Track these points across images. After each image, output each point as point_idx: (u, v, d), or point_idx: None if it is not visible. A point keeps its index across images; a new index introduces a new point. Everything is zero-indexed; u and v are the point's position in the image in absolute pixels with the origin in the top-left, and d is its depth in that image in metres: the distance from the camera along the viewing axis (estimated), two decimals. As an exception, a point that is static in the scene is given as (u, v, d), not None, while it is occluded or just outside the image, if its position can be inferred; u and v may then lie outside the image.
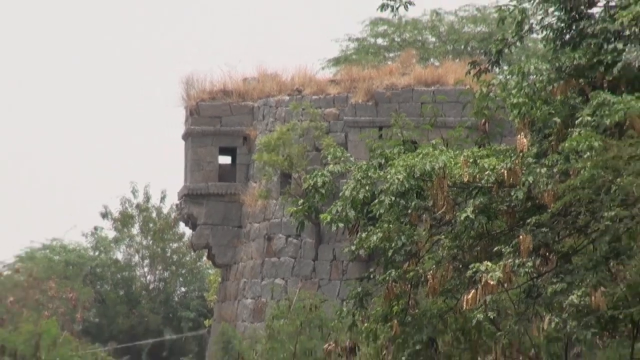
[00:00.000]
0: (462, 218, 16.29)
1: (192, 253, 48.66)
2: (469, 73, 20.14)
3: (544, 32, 19.42)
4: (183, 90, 39.96)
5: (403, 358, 17.80)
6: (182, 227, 46.68)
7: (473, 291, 15.49)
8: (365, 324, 18.39)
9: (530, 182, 15.69)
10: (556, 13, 18.75)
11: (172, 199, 47.98)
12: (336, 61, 48.60)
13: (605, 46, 17.33)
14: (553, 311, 15.40)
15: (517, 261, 15.35)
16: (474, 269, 15.32)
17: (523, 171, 16.03)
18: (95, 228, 54.26)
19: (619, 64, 16.22)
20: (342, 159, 20.28)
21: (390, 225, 17.42)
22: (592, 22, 18.00)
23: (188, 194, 38.94)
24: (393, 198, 16.99)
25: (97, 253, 54.73)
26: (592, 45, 17.40)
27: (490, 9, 31.77)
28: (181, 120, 40.07)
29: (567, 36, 18.84)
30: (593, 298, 14.60)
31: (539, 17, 18.98)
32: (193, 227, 40.07)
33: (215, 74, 41.38)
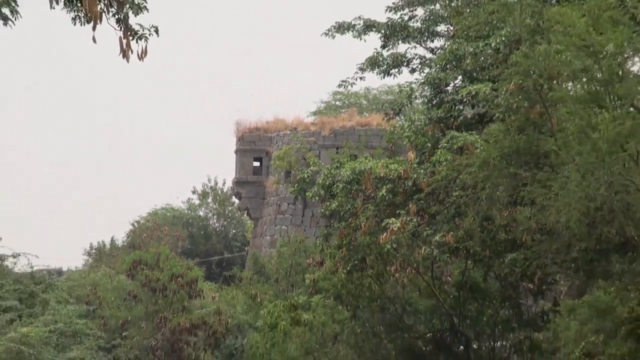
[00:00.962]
0: (379, 195, 29.83)
1: (239, 212, 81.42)
2: (384, 120, 39.23)
3: (423, 99, 35.19)
4: (235, 127, 68.00)
5: (348, 267, 31.19)
6: (234, 199, 74.93)
7: (385, 233, 28.11)
8: (328, 250, 33.36)
9: (415, 177, 29.17)
10: (427, 89, 33.75)
11: (229, 184, 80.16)
12: (314, 112, 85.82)
13: (454, 107, 31.76)
14: (426, 244, 28.97)
15: (407, 218, 28.57)
16: (386, 222, 28.13)
17: (411, 171, 29.63)
18: (189, 199, 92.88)
19: (461, 117, 31.38)
20: (317, 164, 38.16)
21: (342, 199, 31.47)
22: (447, 94, 32.66)
23: (237, 181, 66.81)
24: (343, 184, 31.45)
25: (189, 212, 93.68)
26: (447, 106, 31.67)
27: (396, 87, 48.22)
28: (233, 142, 67.34)
29: (434, 101, 32.92)
30: (447, 237, 27.60)
31: (420, 91, 34.43)
32: (239, 198, 68.55)
33: (252, 118, 68.25)
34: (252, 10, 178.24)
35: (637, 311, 22.18)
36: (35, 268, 46.91)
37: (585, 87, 23.79)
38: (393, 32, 36.23)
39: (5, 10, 16.33)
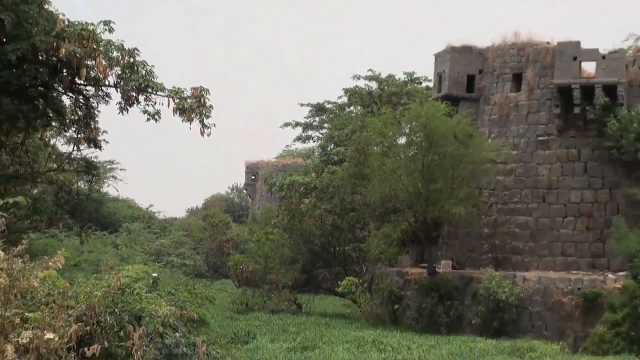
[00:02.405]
0: (300, 190, 59.18)
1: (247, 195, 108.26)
2: (304, 160, 79.60)
3: (319, 152, 68.14)
4: (244, 165, 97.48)
5: (287, 218, 58.85)
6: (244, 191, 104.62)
7: (302, 204, 57.41)
8: (281, 211, 62.32)
9: (315, 183, 58.79)
10: (321, 149, 66.63)
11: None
12: (281, 154, 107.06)
13: (330, 156, 62.82)
14: (319, 209, 59.88)
15: (311, 199, 58.23)
16: (302, 200, 58.56)
17: (313, 181, 59.19)
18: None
19: (333, 159, 62.55)
20: (277, 177, 70.46)
21: (286, 191, 61.47)
22: (328, 151, 64.13)
23: (247, 184, 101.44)
24: (287, 185, 61.14)
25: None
26: (328, 155, 63.21)
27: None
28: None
29: (323, 153, 65.55)
30: (327, 207, 57.81)
31: (319, 149, 68.00)
32: (252, 197, 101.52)
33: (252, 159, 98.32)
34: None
35: (401, 235, 51.49)
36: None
37: (380, 148, 49.61)
38: (306, 126, 70.02)
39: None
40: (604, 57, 46.78)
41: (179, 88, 25.63)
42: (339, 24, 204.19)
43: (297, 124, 69.41)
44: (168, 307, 15.48)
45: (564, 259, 47.07)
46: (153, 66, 25.03)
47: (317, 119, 68.46)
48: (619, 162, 45.70)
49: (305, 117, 68.98)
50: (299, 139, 71.66)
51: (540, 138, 48.70)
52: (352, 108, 64.67)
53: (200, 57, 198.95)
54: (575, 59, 47.14)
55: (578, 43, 47.34)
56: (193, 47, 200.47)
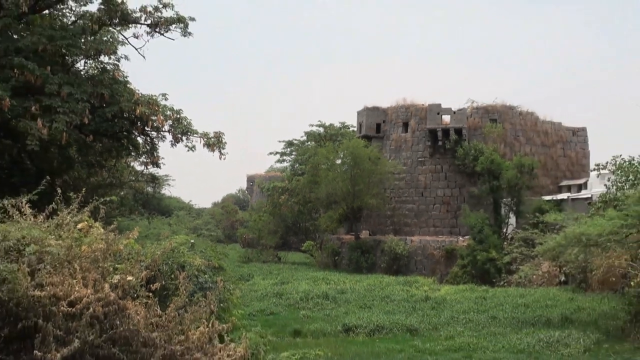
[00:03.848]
0: (278, 192, 58.10)
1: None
2: (282, 173, 71.68)
3: (291, 170, 65.34)
4: (246, 176, 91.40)
5: (271, 208, 58.12)
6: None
7: (281, 199, 57.88)
8: (268, 205, 60.15)
9: (289, 187, 58.40)
10: (291, 168, 64.55)
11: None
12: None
13: (296, 174, 61.77)
14: (293, 202, 59.73)
15: (285, 197, 58.77)
16: (279, 197, 58.02)
17: (287, 185, 57.81)
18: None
19: (298, 173, 61.31)
20: (265, 185, 65.62)
21: (271, 193, 58.96)
22: (296, 170, 62.89)
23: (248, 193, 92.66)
24: (271, 189, 59.11)
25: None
26: (294, 173, 62.10)
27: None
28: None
29: (293, 171, 63.20)
30: (297, 199, 58.59)
31: (289, 169, 66.06)
32: (250, 195, 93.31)
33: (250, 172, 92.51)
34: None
35: (339, 216, 51.86)
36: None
37: (326, 166, 50.02)
38: (282, 154, 69.72)
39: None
40: (454, 112, 48.27)
41: (206, 132, 25.92)
42: (307, 87, 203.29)
43: (277, 153, 70.24)
44: (200, 260, 16.43)
45: (435, 229, 48.40)
46: (192, 119, 25.71)
47: (288, 149, 69.13)
48: (464, 173, 46.86)
49: (282, 148, 69.78)
50: (278, 161, 72.83)
51: (420, 159, 49.75)
52: (309, 143, 64.95)
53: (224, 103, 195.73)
54: (438, 113, 48.58)
55: (439, 105, 48.69)
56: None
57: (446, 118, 48.43)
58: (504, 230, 41.66)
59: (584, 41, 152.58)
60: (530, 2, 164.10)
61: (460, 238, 43.94)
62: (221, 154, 25.63)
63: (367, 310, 25.71)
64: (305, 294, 29.43)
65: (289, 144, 69.04)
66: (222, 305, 18.70)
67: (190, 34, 25.99)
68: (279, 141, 75.60)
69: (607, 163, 31.07)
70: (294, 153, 67.77)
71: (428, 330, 21.79)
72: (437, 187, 48.87)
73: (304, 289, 31.36)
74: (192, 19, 26.04)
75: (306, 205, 56.13)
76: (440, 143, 48.13)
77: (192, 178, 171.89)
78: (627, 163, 29.48)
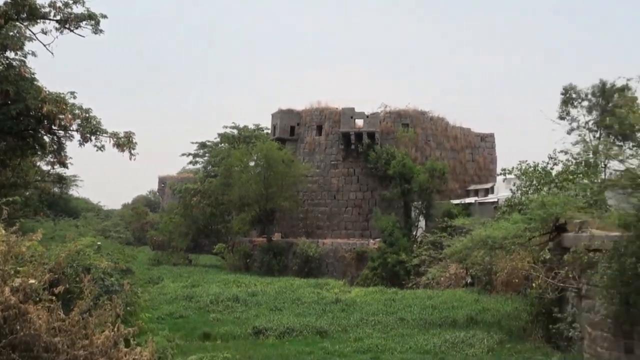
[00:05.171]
0: (190, 192, 56.83)
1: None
2: (194, 174, 69.19)
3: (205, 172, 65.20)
4: (158, 177, 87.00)
5: (183, 209, 56.44)
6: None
7: (193, 200, 57.76)
8: (181, 206, 58.84)
9: (200, 188, 58.33)
10: (203, 170, 63.00)
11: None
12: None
13: (208, 177, 61.41)
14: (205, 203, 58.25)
15: (197, 198, 57.81)
16: (191, 199, 56.48)
17: (199, 187, 59.02)
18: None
19: (212, 176, 61.25)
20: (178, 186, 64.90)
21: (183, 194, 58.12)
22: (209, 171, 62.93)
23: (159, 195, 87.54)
24: (184, 190, 58.09)
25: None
26: (207, 176, 62.06)
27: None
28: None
29: (206, 172, 63.06)
30: (211, 200, 57.26)
31: (202, 170, 64.66)
32: (162, 197, 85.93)
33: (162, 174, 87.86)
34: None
35: (251, 218, 52.24)
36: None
37: (239, 168, 49.27)
38: (195, 155, 69.59)
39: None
40: (367, 116, 48.90)
41: (116, 132, 25.25)
42: (222, 88, 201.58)
43: (189, 154, 69.49)
44: (107, 262, 15.99)
45: (346, 231, 48.86)
46: (101, 119, 25.10)
47: (201, 151, 68.44)
48: (376, 176, 47.43)
49: (195, 150, 69.15)
50: (191, 162, 71.98)
51: (333, 162, 50.18)
52: (222, 145, 64.43)
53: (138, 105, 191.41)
54: (352, 117, 49.11)
55: (353, 109, 49.23)
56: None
57: (359, 122, 48.99)
58: (414, 233, 42.44)
59: (493, 51, 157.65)
60: (442, 14, 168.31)
61: (372, 241, 44.49)
62: (131, 154, 25.05)
63: (277, 313, 25.74)
64: (215, 296, 29.20)
65: (202, 145, 68.52)
66: (128, 308, 18.26)
67: (101, 31, 25.22)
68: (192, 142, 75.62)
69: (512, 168, 32.05)
70: (207, 155, 67.16)
71: (338, 332, 22.02)
72: (350, 190, 49.31)
73: (215, 291, 31.12)
74: (104, 16, 25.33)
75: (218, 207, 55.70)
76: (353, 146, 48.60)
77: (102, 179, 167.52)
78: (531, 169, 30.51)
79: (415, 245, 39.45)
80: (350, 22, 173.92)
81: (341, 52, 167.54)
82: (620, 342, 14.73)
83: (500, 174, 34.69)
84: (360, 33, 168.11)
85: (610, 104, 41.58)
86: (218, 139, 66.72)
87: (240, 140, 61.90)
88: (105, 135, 24.93)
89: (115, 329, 8.26)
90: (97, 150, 24.96)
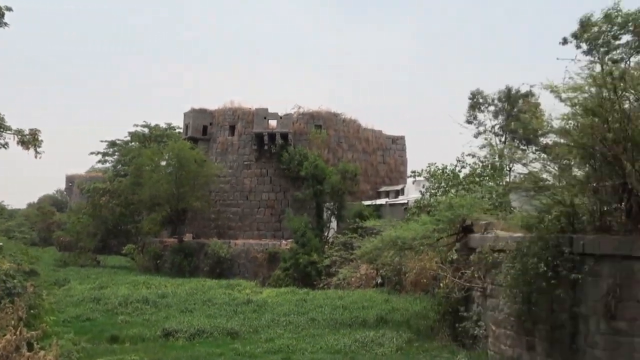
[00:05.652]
0: (100, 191, 55.06)
1: None
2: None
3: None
4: (65, 176, 78.35)
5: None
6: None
7: (102, 199, 55.63)
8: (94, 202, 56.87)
9: (110, 188, 57.06)
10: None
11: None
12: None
13: (119, 175, 60.30)
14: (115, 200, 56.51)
15: (106, 198, 56.40)
16: (102, 199, 55.00)
17: (109, 186, 56.54)
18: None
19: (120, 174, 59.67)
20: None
21: (96, 197, 57.48)
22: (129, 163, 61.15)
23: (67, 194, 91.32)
24: (97, 188, 57.50)
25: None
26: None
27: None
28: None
29: (119, 169, 61.73)
30: (121, 199, 55.85)
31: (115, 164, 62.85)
32: (69, 196, 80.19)
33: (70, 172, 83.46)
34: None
35: (162, 219, 51.04)
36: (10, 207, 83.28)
37: (150, 168, 49.15)
38: (105, 154, 67.90)
39: None
40: (281, 117, 48.95)
41: (21, 129, 24.32)
42: (133, 86, 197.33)
43: (98, 153, 67.67)
44: (9, 264, 15.44)
45: (259, 232, 48.72)
46: (4, 114, 24.04)
47: (111, 149, 66.73)
48: (289, 177, 47.56)
49: (104, 148, 67.42)
50: (100, 161, 69.97)
51: (245, 163, 49.96)
52: (133, 144, 63.12)
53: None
54: (265, 118, 49.03)
55: (266, 109, 49.18)
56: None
57: (273, 123, 48.95)
58: (326, 234, 42.72)
59: (407, 54, 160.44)
60: (359, 15, 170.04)
61: (284, 241, 44.50)
62: (37, 152, 24.06)
63: (188, 315, 25.44)
64: (124, 298, 28.62)
65: (112, 144, 66.94)
66: (32, 311, 17.66)
67: (6, 24, 24.14)
68: (102, 141, 73.19)
69: (422, 171, 32.73)
70: (117, 153, 65.51)
71: (249, 333, 21.96)
72: (262, 191, 49.21)
73: (123, 293, 30.55)
74: (9, 9, 24.27)
75: (128, 207, 54.53)
76: (266, 147, 48.51)
77: (5, 177, 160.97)
78: (440, 171, 31.25)
79: (326, 246, 39.62)
80: (265, 22, 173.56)
81: (255, 52, 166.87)
82: (522, 340, 15.20)
83: (410, 176, 35.36)
84: (276, 33, 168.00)
85: (515, 109, 43.18)
86: (128, 138, 65.29)
87: (152, 139, 60.73)
88: (9, 132, 23.96)
89: (18, 333, 7.95)
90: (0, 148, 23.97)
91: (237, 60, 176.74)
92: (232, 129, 51.24)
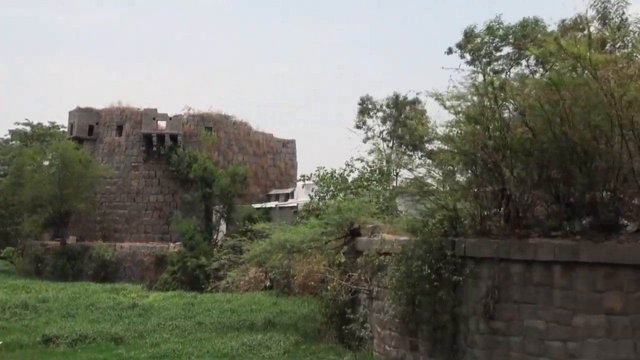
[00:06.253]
0: None
1: None
2: None
3: None
4: None
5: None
6: None
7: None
8: None
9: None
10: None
11: None
12: None
13: None
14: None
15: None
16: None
17: None
18: None
19: None
20: None
21: None
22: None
23: None
24: None
25: None
26: None
27: None
28: None
29: None
30: None
31: None
32: None
33: None
34: None
35: (44, 220, 49.17)
36: None
37: (32, 167, 47.99)
38: None
39: None
40: (170, 118, 48.05)
41: None
42: (13, 83, 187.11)
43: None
44: None
45: (146, 235, 47.57)
46: None
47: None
48: (178, 179, 46.74)
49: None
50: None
51: (133, 164, 48.68)
52: (13, 142, 60.51)
53: None
54: (154, 118, 47.97)
55: (156, 110, 48.10)
56: None
57: (162, 124, 48.01)
58: (215, 237, 42.41)
59: (298, 58, 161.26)
60: (253, 17, 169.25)
61: (172, 244, 43.73)
62: None
63: (70, 320, 24.52)
64: (1, 303, 27.10)
65: (-13, 143, 63.51)
66: None
67: None
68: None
69: (311, 174, 33.00)
70: (-6, 153, 62.25)
71: (134, 338, 21.40)
72: (150, 193, 48.12)
73: (1, 298, 29.03)
74: None
75: (8, 208, 52.15)
76: (155, 148, 47.48)
77: None
78: (329, 175, 31.60)
79: (215, 249, 39.33)
80: (156, 22, 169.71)
81: (145, 52, 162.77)
82: (406, 340, 15.50)
83: (300, 179, 35.52)
84: (166, 34, 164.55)
85: (402, 116, 44.30)
86: (9, 136, 62.27)
87: (34, 138, 58.36)
88: None
89: None
90: None
91: (127, 59, 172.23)
92: (120, 129, 49.83)
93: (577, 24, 19.65)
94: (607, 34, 17.40)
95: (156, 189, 48.17)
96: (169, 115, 48.18)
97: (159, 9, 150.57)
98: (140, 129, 48.14)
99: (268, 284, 32.90)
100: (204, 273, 37.35)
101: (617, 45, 17.89)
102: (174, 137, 47.24)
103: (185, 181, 45.83)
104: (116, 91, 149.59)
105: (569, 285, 12.26)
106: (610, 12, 20.60)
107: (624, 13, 20.51)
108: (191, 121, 49.10)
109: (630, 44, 17.43)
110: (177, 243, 42.54)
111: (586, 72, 12.37)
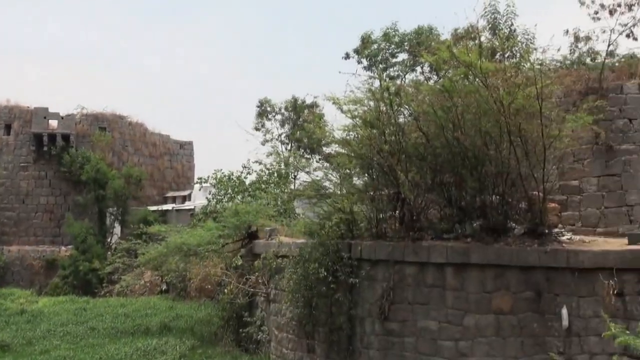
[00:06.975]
0: None
1: None
2: None
3: None
4: None
5: None
6: None
7: None
8: None
9: None
10: None
11: None
12: None
13: None
14: None
15: None
16: None
17: None
18: None
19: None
20: None
21: None
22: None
23: None
24: None
25: None
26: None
27: None
28: None
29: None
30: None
31: None
32: None
33: None
34: None
35: None
36: None
37: None
38: None
39: None
40: (62, 117, 46.20)
41: None
42: None
43: None
44: None
45: (36, 238, 45.40)
46: None
47: None
48: (70, 181, 44.86)
49: None
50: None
51: (22, 164, 46.33)
52: None
53: None
54: (45, 117, 45.98)
55: (47, 108, 45.99)
56: None
57: (53, 123, 45.97)
58: (109, 240, 41.18)
59: (197, 59, 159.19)
60: (150, 16, 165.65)
61: (63, 248, 42.06)
62: None
63: (-50, 329, 23.12)
64: None
65: None
66: None
67: None
68: None
69: (209, 177, 32.51)
70: None
71: (22, 346, 20.55)
72: (41, 195, 45.96)
73: None
74: None
75: None
76: (45, 148, 45.39)
77: None
78: (226, 177, 31.22)
79: (109, 253, 38.15)
80: (47, 18, 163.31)
81: (38, 48, 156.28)
82: (303, 343, 15.48)
83: (197, 182, 34.99)
84: (60, 31, 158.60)
85: (300, 119, 44.39)
86: None
87: None
88: None
89: None
90: None
91: (18, 56, 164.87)
92: (8, 128, 47.29)
93: (469, 33, 20.24)
94: (497, 43, 18.02)
95: (47, 191, 46.11)
96: (61, 114, 46.27)
97: (52, 6, 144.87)
98: (30, 128, 46.00)
99: (164, 287, 32.25)
100: (97, 277, 36.10)
101: (506, 55, 18.55)
102: (66, 137, 45.36)
103: (77, 182, 44.07)
104: (4, 89, 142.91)
105: (461, 286, 12.59)
106: (500, 23, 21.30)
107: (512, 24, 21.25)
108: (84, 121, 47.33)
109: (518, 54, 18.11)
110: (69, 246, 40.99)
111: (477, 79, 12.73)
